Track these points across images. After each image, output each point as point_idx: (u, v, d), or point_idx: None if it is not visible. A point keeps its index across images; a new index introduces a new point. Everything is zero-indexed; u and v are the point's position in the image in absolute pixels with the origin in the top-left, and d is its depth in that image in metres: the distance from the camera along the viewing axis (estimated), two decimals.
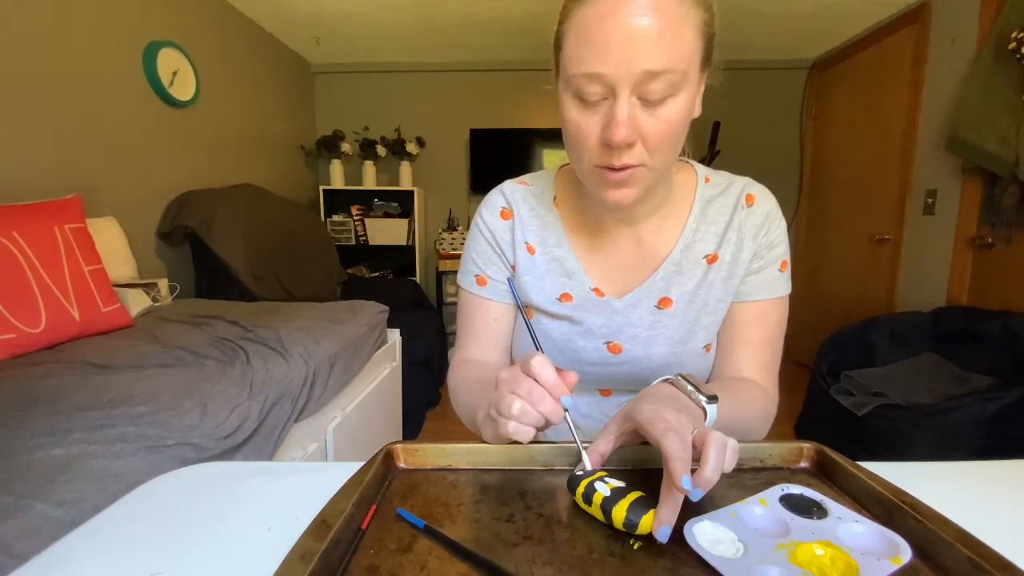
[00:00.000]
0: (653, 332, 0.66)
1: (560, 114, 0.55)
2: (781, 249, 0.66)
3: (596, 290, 0.67)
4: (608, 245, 0.68)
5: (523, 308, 0.57)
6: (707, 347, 0.68)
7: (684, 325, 0.66)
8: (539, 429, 0.48)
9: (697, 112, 0.57)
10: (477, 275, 0.72)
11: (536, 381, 0.47)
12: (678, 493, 0.37)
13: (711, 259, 0.65)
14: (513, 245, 0.70)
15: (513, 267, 0.71)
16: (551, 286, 0.68)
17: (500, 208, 0.71)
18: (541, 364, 0.47)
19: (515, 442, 0.49)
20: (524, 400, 0.46)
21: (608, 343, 0.67)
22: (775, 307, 0.67)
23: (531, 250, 0.69)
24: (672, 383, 0.51)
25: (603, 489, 0.41)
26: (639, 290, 0.66)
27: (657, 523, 0.37)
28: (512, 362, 0.75)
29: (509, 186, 0.72)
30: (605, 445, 0.48)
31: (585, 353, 0.67)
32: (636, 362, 0.66)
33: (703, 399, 0.49)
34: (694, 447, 0.41)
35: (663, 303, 0.66)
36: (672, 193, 0.66)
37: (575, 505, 0.43)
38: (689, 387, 0.50)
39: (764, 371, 0.67)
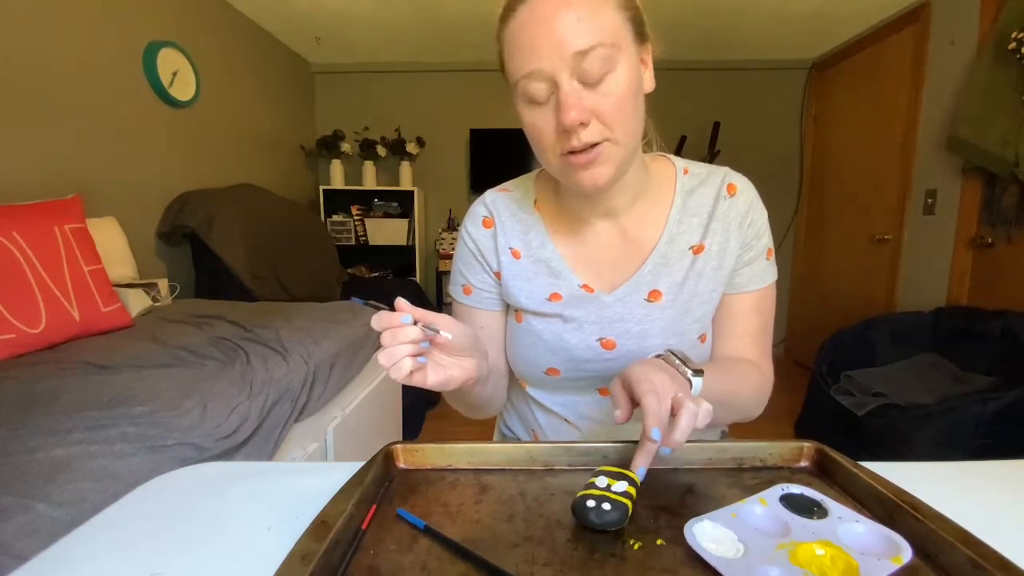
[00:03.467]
0: (645, 326, 0.66)
1: (521, 125, 0.59)
2: (767, 238, 0.68)
3: (585, 287, 0.67)
4: (592, 241, 0.68)
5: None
6: (701, 337, 0.68)
7: (676, 317, 0.66)
8: (414, 353, 0.49)
9: (649, 86, 0.60)
10: (464, 285, 0.74)
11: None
12: (651, 445, 0.45)
13: (696, 249, 0.66)
14: (496, 252, 0.71)
15: (498, 274, 0.72)
16: (539, 288, 0.69)
17: (482, 217, 0.72)
18: (377, 319, 0.49)
19: (518, 441, 0.49)
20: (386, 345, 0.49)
21: (601, 339, 0.67)
22: (767, 294, 0.69)
23: (516, 255, 0.70)
24: (663, 358, 0.54)
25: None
26: (628, 284, 0.67)
27: (633, 465, 0.45)
28: (509, 366, 0.76)
29: (490, 195, 0.73)
30: (624, 412, 0.50)
31: (578, 351, 0.68)
32: (631, 356, 0.67)
33: (689, 372, 0.52)
34: (673, 411, 0.46)
35: (653, 296, 0.66)
36: (650, 183, 0.68)
37: (575, 507, 0.43)
38: (676, 361, 0.53)
39: (762, 355, 0.70)
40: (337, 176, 3.47)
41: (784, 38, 3.09)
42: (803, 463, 0.51)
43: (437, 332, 0.49)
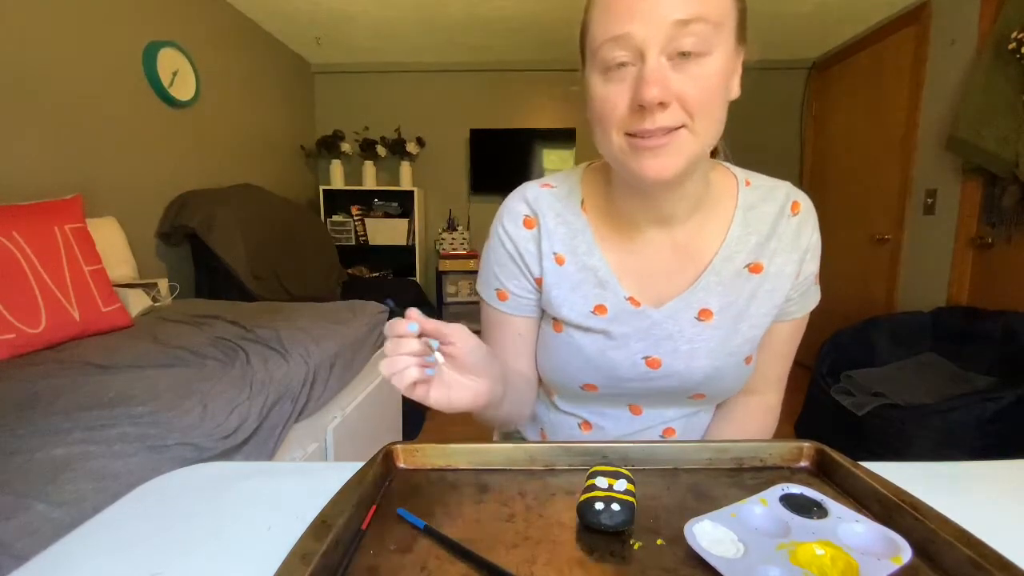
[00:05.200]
0: (694, 345, 0.62)
1: (587, 101, 0.53)
2: (818, 261, 0.65)
3: (632, 299, 0.62)
4: (642, 250, 0.63)
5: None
6: (747, 359, 0.65)
7: (725, 337, 0.62)
8: (422, 364, 0.47)
9: (735, 93, 0.54)
10: (498, 289, 0.67)
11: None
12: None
13: (754, 268, 0.62)
14: (539, 256, 0.64)
15: (539, 280, 0.65)
16: (583, 299, 0.63)
17: (523, 216, 0.65)
18: (389, 324, 0.48)
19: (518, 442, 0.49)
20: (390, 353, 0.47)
21: (646, 358, 0.63)
22: (807, 318, 0.68)
23: (560, 260, 0.64)
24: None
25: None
26: (678, 300, 0.62)
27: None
28: (539, 374, 0.72)
29: (532, 190, 0.65)
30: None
31: (622, 369, 0.63)
32: (677, 376, 0.63)
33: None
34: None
35: (703, 315, 0.62)
36: (710, 194, 0.62)
37: (575, 506, 0.43)
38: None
39: (782, 378, 0.71)
40: (337, 176, 3.47)
41: (784, 38, 3.09)
42: (803, 463, 0.51)
43: (435, 351, 0.47)
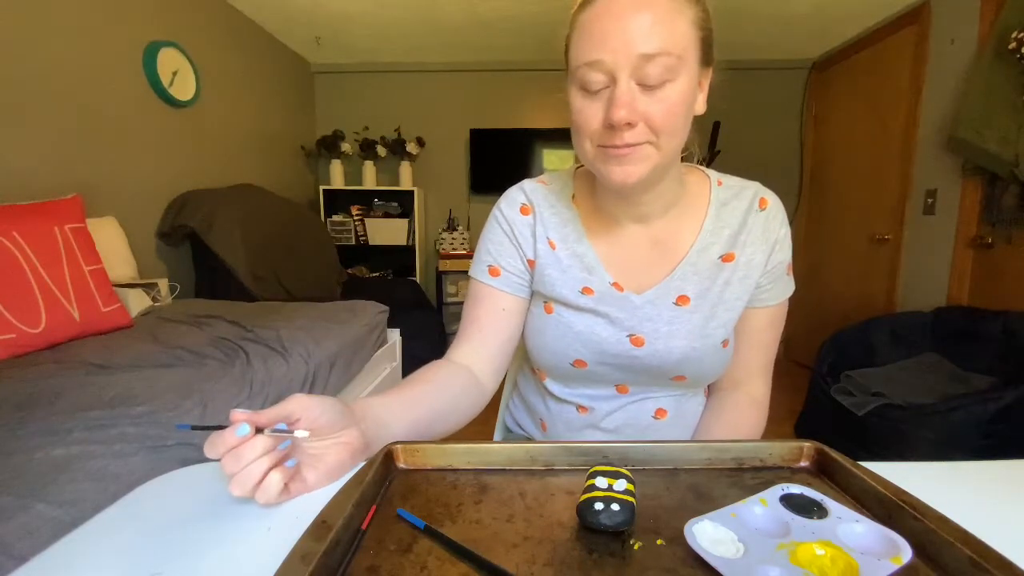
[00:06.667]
0: (672, 327, 0.68)
1: (569, 109, 0.59)
2: (788, 253, 0.71)
3: (616, 284, 0.69)
4: (624, 243, 0.70)
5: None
6: (724, 343, 0.69)
7: (702, 321, 0.68)
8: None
9: (700, 109, 0.61)
10: (491, 265, 0.72)
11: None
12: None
13: (726, 258, 0.68)
14: (534, 240, 0.71)
15: (531, 262, 0.72)
16: (573, 279, 0.70)
17: (520, 203, 0.72)
18: (210, 446, 0.42)
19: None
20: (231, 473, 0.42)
21: (631, 335, 0.68)
22: (783, 308, 0.73)
23: (552, 245, 0.71)
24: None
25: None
26: (657, 288, 0.68)
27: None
28: (527, 361, 0.77)
29: (529, 184, 0.74)
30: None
31: (608, 344, 0.69)
32: (657, 355, 0.68)
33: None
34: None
35: (681, 300, 0.68)
36: (684, 194, 0.69)
37: (575, 506, 0.43)
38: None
39: (765, 369, 0.74)
40: (337, 176, 3.47)
41: (784, 38, 3.09)
42: (803, 463, 0.51)
43: (291, 432, 0.43)
